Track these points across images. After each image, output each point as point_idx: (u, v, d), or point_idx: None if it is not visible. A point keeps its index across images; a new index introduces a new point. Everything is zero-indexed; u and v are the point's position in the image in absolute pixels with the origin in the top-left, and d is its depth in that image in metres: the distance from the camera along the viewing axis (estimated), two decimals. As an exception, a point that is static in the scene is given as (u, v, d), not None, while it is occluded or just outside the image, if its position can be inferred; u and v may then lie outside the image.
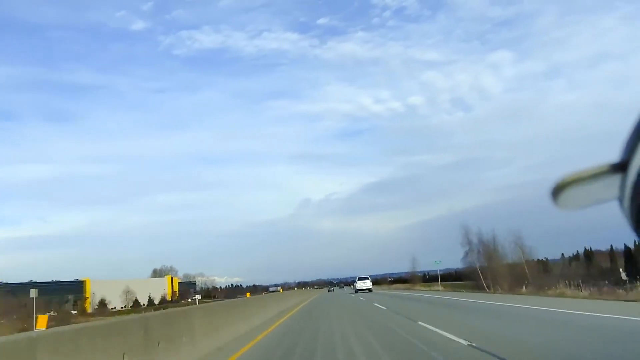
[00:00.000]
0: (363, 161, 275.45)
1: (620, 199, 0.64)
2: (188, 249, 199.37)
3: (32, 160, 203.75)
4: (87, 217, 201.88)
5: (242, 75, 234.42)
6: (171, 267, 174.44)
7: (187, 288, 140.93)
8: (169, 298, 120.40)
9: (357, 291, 48.01)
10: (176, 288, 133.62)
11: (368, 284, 49.45)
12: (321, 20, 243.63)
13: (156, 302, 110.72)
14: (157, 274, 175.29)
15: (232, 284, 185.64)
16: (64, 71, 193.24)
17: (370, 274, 58.10)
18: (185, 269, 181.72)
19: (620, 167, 0.62)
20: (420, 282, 68.68)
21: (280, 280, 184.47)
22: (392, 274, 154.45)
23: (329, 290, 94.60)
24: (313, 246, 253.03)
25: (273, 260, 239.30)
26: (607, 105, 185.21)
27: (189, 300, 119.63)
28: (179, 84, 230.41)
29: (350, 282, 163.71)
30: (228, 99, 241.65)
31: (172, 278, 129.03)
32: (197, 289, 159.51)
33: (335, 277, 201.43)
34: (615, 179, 0.64)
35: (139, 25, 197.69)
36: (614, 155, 0.64)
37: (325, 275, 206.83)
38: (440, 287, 50.27)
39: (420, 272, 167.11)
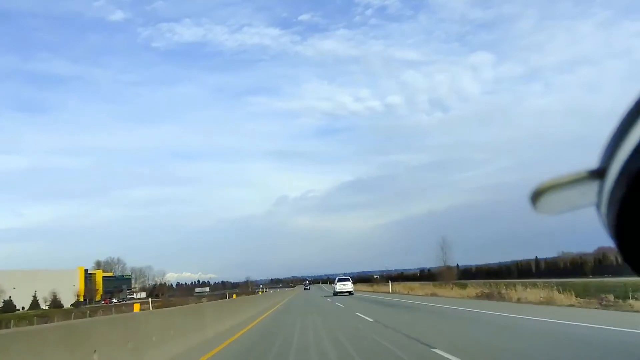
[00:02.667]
0: (340, 160, 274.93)
1: (598, 206, 0.64)
2: (159, 244, 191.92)
3: (3, 151, 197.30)
4: (57, 210, 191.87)
5: (221, 70, 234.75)
6: (118, 260, 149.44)
7: (120, 284, 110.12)
8: (80, 298, 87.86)
9: (336, 294, 40.84)
10: (99, 284, 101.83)
11: (349, 286, 42.06)
12: (303, 17, 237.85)
13: (46, 304, 78.53)
14: (102, 266, 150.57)
15: (198, 280, 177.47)
16: (38, 61, 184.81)
17: (345, 272, 52.50)
18: (136, 262, 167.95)
19: (598, 174, 0.63)
20: (453, 278, 40.49)
21: (254, 277, 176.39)
22: (367, 272, 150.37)
23: (305, 289, 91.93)
24: (289, 243, 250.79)
25: (248, 257, 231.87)
26: (581, 110, 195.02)
27: (115, 301, 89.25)
28: (156, 77, 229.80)
29: (325, 280, 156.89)
30: (206, 94, 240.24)
31: (85, 270, 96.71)
32: (146, 285, 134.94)
33: (310, 275, 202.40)
34: (593, 186, 0.64)
35: (118, 15, 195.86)
36: (588, 158, 0.65)
37: (300, 273, 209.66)
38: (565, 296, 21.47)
39: (411, 269, 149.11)
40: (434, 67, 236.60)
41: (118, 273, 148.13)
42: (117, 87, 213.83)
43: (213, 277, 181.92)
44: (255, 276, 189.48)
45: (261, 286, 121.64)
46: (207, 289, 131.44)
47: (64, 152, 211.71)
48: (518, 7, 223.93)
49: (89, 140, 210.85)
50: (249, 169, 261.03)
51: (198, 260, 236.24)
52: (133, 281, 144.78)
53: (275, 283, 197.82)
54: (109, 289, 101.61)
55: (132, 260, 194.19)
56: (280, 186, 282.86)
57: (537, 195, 0.68)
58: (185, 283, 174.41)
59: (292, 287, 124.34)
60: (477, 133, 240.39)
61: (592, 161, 0.63)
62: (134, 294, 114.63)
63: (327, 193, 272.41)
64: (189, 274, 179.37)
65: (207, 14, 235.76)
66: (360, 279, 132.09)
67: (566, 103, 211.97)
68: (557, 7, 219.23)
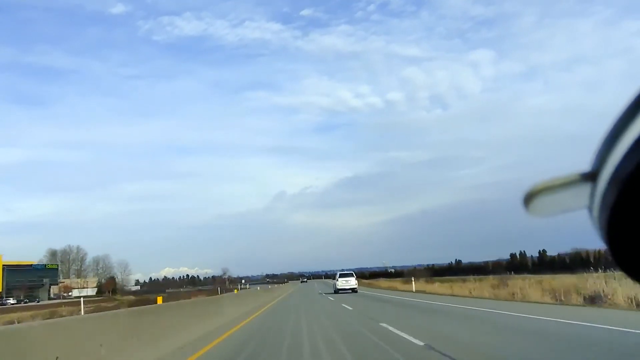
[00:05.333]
0: (339, 156, 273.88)
1: (590, 208, 0.64)
2: (157, 238, 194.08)
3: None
4: (53, 204, 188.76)
5: (221, 64, 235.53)
6: (77, 248, 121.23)
7: (40, 276, 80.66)
8: None
9: (337, 291, 35.15)
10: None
11: (352, 282, 35.94)
12: (305, 12, 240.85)
13: None
14: (58, 256, 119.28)
15: (187, 275, 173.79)
16: (36, 53, 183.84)
17: (342, 268, 48.70)
18: (131, 257, 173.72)
19: (590, 177, 0.62)
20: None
21: (251, 273, 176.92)
22: (365, 268, 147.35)
23: (301, 282, 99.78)
24: (286, 239, 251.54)
25: (246, 253, 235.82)
26: (579, 109, 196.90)
27: (10, 302, 59.57)
28: (156, 71, 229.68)
29: (322, 276, 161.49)
30: (205, 88, 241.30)
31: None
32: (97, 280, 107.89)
33: (308, 271, 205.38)
34: (585, 188, 0.64)
35: (118, 8, 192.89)
36: (583, 157, 0.65)
37: (297, 269, 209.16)
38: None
39: (399, 266, 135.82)
40: (434, 64, 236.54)
41: (75, 264, 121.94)
42: (116, 80, 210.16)
43: (209, 272, 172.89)
44: (252, 272, 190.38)
45: (243, 281, 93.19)
46: (138, 287, 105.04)
47: (61, 146, 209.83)
48: (519, 5, 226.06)
49: (86, 133, 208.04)
50: (248, 165, 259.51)
51: (195, 255, 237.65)
52: (91, 274, 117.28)
53: (270, 278, 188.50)
54: (21, 283, 72.22)
55: (125, 255, 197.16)
56: (278, 182, 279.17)
57: (529, 197, 0.67)
58: (174, 277, 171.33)
59: (286, 282, 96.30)
60: (476, 131, 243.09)
61: (590, 161, 0.62)
62: (71, 290, 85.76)
63: (325, 189, 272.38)
64: (186, 268, 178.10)
65: (208, 7, 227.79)
66: (372, 274, 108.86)
67: (565, 102, 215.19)
68: (559, 5, 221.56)
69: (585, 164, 0.63)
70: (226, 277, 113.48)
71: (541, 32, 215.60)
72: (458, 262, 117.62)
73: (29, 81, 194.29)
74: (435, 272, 66.31)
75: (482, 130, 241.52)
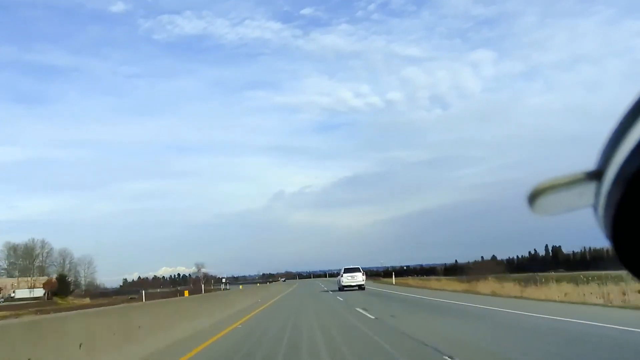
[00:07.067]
0: (339, 155, 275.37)
1: (595, 207, 0.64)
2: (154, 238, 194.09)
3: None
4: (52, 203, 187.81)
5: (221, 63, 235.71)
6: (42, 242, 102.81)
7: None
8: None
9: (342, 288, 33.22)
10: None
11: (359, 278, 33.91)
12: (305, 11, 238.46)
13: None
14: (18, 250, 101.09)
15: (179, 274, 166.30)
16: (36, 52, 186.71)
17: (340, 268, 42.41)
18: (127, 256, 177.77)
19: (596, 176, 0.63)
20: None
21: (248, 272, 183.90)
22: (363, 268, 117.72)
23: (282, 281, 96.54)
24: (285, 239, 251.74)
25: (244, 252, 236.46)
26: (580, 109, 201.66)
27: None
28: (156, 70, 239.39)
29: (325, 274, 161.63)
30: (205, 88, 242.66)
31: None
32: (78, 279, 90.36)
33: (307, 270, 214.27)
34: (590, 187, 0.64)
35: (119, 7, 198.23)
36: (584, 157, 0.65)
37: (295, 268, 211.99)
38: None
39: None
40: (435, 64, 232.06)
41: (39, 260, 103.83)
42: (116, 79, 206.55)
43: (207, 272, 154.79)
44: (250, 271, 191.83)
45: (224, 280, 74.68)
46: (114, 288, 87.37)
47: (61, 144, 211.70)
48: (520, 4, 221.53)
49: (85, 132, 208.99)
50: (248, 164, 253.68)
51: (194, 254, 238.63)
52: (75, 275, 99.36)
53: (266, 278, 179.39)
54: None
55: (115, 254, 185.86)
56: (277, 181, 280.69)
57: (534, 196, 0.67)
58: (164, 277, 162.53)
59: (278, 280, 78.29)
60: (476, 130, 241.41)
61: (591, 160, 0.62)
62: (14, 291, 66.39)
63: (325, 189, 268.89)
64: (183, 268, 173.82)
65: (208, 6, 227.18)
66: (386, 272, 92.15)
67: (566, 102, 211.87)
68: (560, 5, 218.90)
69: (586, 164, 0.62)
70: (201, 274, 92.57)
71: (542, 32, 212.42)
72: (556, 248, 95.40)
73: (28, 80, 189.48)
74: (514, 268, 45.45)
75: (483, 130, 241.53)
